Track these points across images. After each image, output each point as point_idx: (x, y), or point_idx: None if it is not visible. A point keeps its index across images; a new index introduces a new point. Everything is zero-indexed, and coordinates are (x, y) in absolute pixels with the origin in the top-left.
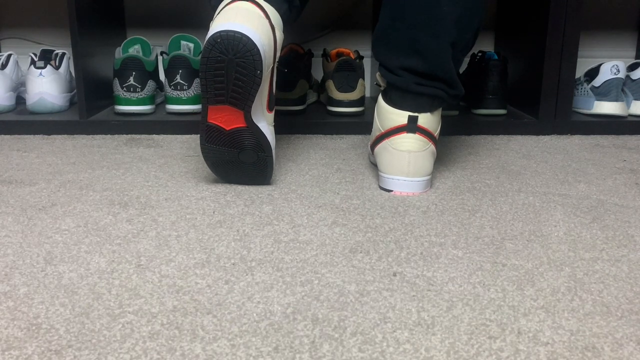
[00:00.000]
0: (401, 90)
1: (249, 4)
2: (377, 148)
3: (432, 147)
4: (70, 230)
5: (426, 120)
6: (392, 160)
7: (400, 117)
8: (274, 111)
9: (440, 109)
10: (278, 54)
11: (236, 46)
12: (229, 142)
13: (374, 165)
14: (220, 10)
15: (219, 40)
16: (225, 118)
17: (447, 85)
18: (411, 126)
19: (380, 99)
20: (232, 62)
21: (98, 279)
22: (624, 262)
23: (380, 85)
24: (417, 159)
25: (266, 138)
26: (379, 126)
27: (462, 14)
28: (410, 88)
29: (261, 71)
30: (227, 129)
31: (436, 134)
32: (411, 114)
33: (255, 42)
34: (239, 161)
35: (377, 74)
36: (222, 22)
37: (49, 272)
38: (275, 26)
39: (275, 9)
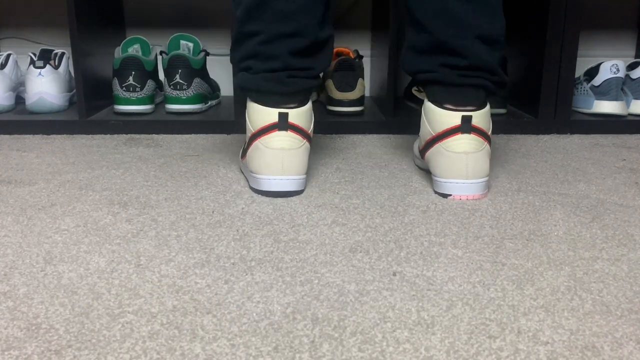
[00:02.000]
0: (445, 85)
1: (291, 137)
2: (429, 152)
3: (488, 146)
4: (69, 230)
5: (479, 119)
6: (449, 163)
7: (453, 118)
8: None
9: (489, 107)
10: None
11: (286, 195)
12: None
13: (420, 169)
14: (259, 137)
15: (270, 194)
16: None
17: (489, 73)
18: (466, 126)
19: (427, 102)
20: (280, 196)
21: (98, 278)
22: (624, 261)
23: (422, 94)
24: (475, 160)
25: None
26: (429, 130)
27: (476, 9)
28: (454, 80)
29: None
30: None
31: (489, 132)
32: (465, 114)
33: (302, 189)
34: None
35: (414, 89)
36: (271, 174)
37: (49, 272)
38: (310, 133)
39: (309, 100)
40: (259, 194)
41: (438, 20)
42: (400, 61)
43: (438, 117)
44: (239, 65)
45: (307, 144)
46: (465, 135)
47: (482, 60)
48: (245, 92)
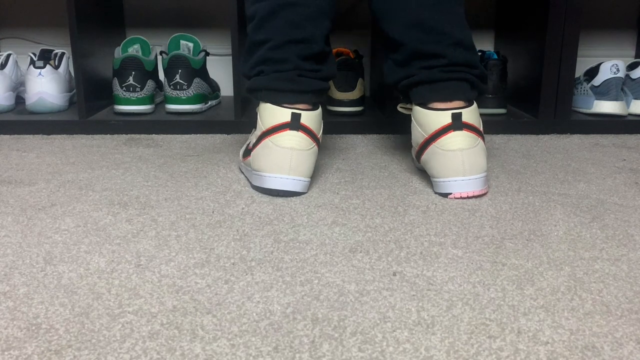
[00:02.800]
0: (429, 82)
1: (301, 137)
2: (425, 155)
3: (482, 142)
4: (69, 230)
5: (469, 115)
6: (445, 162)
7: (443, 117)
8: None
9: (476, 105)
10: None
11: (288, 195)
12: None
13: (419, 170)
14: (269, 135)
15: (273, 192)
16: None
17: (469, 67)
18: (457, 123)
19: (414, 107)
20: (282, 196)
21: (98, 278)
22: (624, 261)
23: (408, 110)
24: (471, 156)
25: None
26: (421, 133)
27: (447, 19)
28: (437, 76)
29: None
30: None
31: (481, 129)
32: (454, 111)
33: (305, 191)
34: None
35: (399, 106)
36: (277, 173)
37: (49, 272)
38: (319, 137)
39: (320, 103)
40: (261, 192)
41: (412, 31)
42: (384, 77)
43: (428, 118)
44: (250, 73)
45: (315, 148)
46: (458, 132)
47: (461, 58)
48: (257, 93)
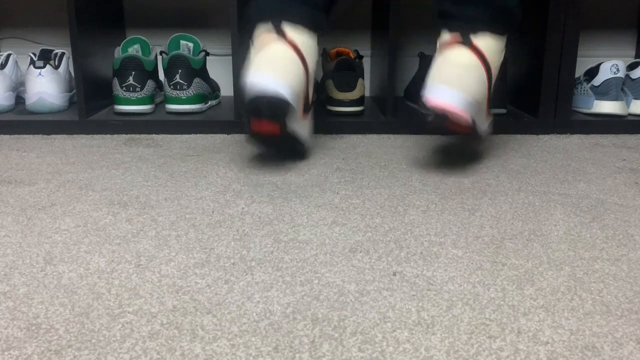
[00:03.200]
0: (449, 16)
1: (285, 47)
2: (430, 69)
3: (484, 73)
4: (69, 230)
5: (483, 42)
6: (440, 70)
7: (458, 36)
8: (310, 112)
9: (502, 44)
10: (312, 81)
11: (272, 103)
12: (270, 142)
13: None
14: (258, 52)
15: (256, 100)
16: (264, 127)
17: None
18: (466, 40)
19: (438, 41)
20: (267, 110)
21: (98, 278)
22: (624, 261)
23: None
24: (462, 71)
25: (300, 138)
26: (437, 51)
27: None
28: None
29: (292, 112)
30: (267, 134)
31: (493, 66)
32: (467, 33)
33: (288, 99)
34: (278, 147)
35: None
36: (260, 72)
37: (49, 272)
38: (308, 61)
39: (311, 29)
40: (250, 104)
41: None
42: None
43: (445, 34)
44: (245, 12)
45: (302, 67)
46: (463, 48)
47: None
48: (249, 25)
